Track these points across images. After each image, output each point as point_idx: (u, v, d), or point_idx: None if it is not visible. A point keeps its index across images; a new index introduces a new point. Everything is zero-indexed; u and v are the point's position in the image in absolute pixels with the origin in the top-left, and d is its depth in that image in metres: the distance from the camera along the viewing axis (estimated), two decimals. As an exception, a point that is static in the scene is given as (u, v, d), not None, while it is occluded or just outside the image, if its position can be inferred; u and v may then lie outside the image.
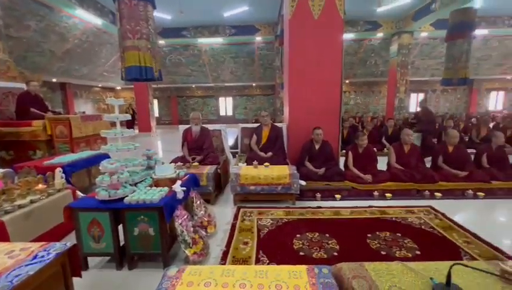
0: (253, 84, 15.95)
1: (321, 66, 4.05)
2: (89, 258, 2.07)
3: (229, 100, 16.95)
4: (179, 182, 2.24)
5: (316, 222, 2.78)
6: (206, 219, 2.51)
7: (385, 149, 6.19)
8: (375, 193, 3.47)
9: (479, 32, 9.86)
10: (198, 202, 2.53)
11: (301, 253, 2.19)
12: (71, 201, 2.51)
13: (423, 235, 2.45)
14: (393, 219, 2.81)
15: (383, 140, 6.71)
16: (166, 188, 2.15)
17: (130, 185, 2.18)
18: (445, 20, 7.66)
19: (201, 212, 2.51)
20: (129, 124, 11.75)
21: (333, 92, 4.12)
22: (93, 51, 10.25)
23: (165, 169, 2.31)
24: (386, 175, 3.77)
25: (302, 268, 1.29)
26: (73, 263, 1.38)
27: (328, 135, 4.00)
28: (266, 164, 3.48)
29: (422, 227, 2.62)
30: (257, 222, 2.78)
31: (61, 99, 13.04)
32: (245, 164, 3.73)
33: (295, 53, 4.09)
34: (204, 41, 11.48)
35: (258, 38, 11.28)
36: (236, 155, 4.70)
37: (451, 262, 1.19)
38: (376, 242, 2.34)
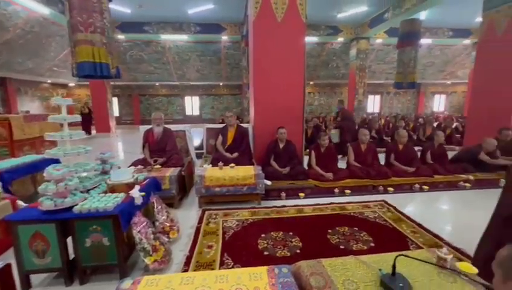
0: (220, 84, 15.78)
1: (285, 68, 4.15)
2: (33, 276, 1.86)
3: (196, 99, 16.55)
4: (137, 187, 2.12)
5: (280, 221, 2.84)
6: (168, 224, 2.42)
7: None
8: (336, 190, 3.66)
9: (424, 41, 10.96)
10: (160, 207, 2.43)
11: (266, 253, 2.22)
12: (10, 212, 2.23)
13: (377, 228, 2.65)
14: (352, 214, 2.99)
15: (344, 139, 7.11)
16: (122, 194, 2.02)
17: (82, 192, 2.01)
18: (396, 29, 8.39)
19: (163, 217, 2.41)
20: (85, 125, 10.83)
21: (297, 93, 4.25)
22: (39, 43, 9.22)
23: (122, 173, 2.17)
24: (346, 173, 4.00)
25: (263, 269, 1.31)
26: (6, 284, 1.22)
27: (292, 135, 4.12)
28: (232, 164, 3.46)
29: (377, 220, 2.83)
30: (222, 224, 2.75)
31: (0, 96, 11.51)
32: (210, 165, 3.67)
33: (259, 54, 4.13)
34: (167, 37, 11.03)
35: (225, 38, 11.18)
36: (202, 156, 4.61)
37: (396, 253, 1.31)
38: (336, 237, 2.46)
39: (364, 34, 10.43)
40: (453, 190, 3.81)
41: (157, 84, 15.51)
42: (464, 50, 12.83)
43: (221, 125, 4.50)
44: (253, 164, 3.78)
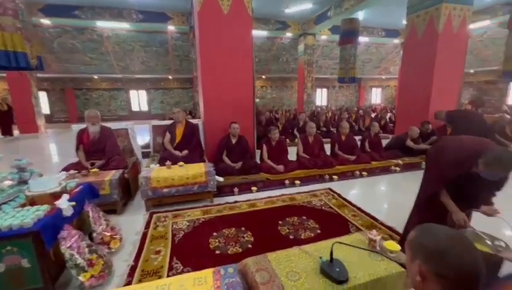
0: (170, 77, 14.91)
1: (233, 61, 4.09)
2: None
3: (143, 94, 15.35)
4: (65, 197, 1.86)
5: (233, 217, 2.83)
6: (108, 234, 2.19)
7: (296, 140, 6.88)
8: (286, 182, 3.79)
9: (362, 39, 12.00)
10: (97, 216, 2.18)
11: (217, 252, 2.18)
12: None
13: (323, 215, 2.84)
14: (301, 204, 3.14)
15: (295, 131, 7.43)
16: (46, 206, 1.75)
17: (-10, 208, 1.68)
18: (338, 27, 8.98)
19: (102, 226, 2.18)
20: (5, 125, 9.18)
21: (246, 87, 4.24)
22: None
23: (44, 182, 1.88)
24: (295, 164, 4.18)
25: (208, 272, 1.27)
26: None
27: (243, 129, 4.11)
28: (180, 163, 3.30)
29: (323, 208, 3.02)
30: (172, 226, 2.62)
31: None
32: (157, 165, 3.44)
33: (206, 47, 3.99)
34: (105, 25, 9.90)
35: (171, 28, 10.51)
36: (149, 156, 4.31)
37: (335, 240, 1.40)
38: (286, 228, 2.56)
39: (311, 30, 10.93)
40: (387, 174, 4.30)
41: (95, 76, 13.91)
42: (394, 48, 14.44)
43: (169, 122, 4.25)
44: (204, 161, 3.68)
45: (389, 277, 1.25)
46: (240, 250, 2.20)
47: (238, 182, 3.69)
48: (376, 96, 19.58)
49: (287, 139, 6.81)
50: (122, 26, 10.06)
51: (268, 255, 1.40)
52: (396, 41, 13.08)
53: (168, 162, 3.26)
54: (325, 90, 18.21)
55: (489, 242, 1.47)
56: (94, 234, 2.11)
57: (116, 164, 3.29)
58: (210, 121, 4.19)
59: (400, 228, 2.45)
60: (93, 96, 14.64)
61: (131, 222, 2.75)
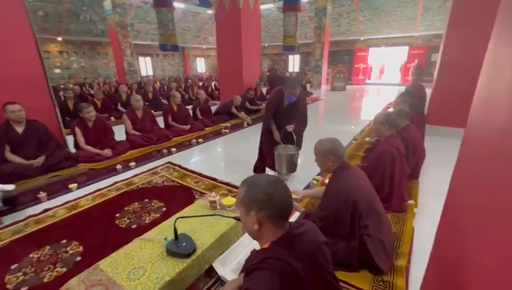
0: None
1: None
2: None
3: None
4: None
5: (44, 231, 2.08)
6: None
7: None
8: (119, 167, 3.26)
9: (178, 5, 11.72)
10: None
11: (22, 289, 1.54)
12: None
13: (167, 191, 2.72)
14: (140, 186, 2.83)
15: (119, 107, 6.40)
16: None
17: None
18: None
19: None
20: None
21: (23, 49, 2.96)
22: None
23: None
24: (126, 144, 3.65)
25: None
26: None
27: (34, 112, 2.96)
28: None
29: (165, 184, 2.90)
30: None
31: None
32: None
33: None
34: None
35: None
36: None
37: (177, 215, 1.35)
38: (126, 219, 2.23)
39: (116, -16, 9.18)
40: (219, 137, 4.76)
41: None
42: (209, 19, 15.34)
43: None
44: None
45: (231, 229, 1.39)
46: (64, 270, 1.68)
47: (45, 183, 2.73)
48: (201, 66, 20.56)
49: (112, 117, 5.78)
50: None
51: (100, 264, 1.13)
52: (209, 11, 13.87)
53: None
54: (148, 58, 16.71)
55: (292, 148, 2.72)
56: None
57: None
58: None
59: (235, 180, 2.84)
60: None
61: None
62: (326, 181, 2.03)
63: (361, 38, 14.38)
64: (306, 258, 0.82)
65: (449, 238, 0.91)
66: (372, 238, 1.42)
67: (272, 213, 0.82)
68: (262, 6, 10.44)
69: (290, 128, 2.65)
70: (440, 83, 4.27)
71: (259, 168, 2.91)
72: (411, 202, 2.24)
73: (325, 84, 12.21)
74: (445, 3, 9.85)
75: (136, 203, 2.48)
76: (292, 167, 2.69)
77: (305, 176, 2.92)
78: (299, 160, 2.73)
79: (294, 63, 18.07)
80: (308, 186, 2.75)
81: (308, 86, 11.54)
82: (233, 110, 5.75)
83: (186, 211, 1.48)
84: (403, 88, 6.83)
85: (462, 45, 3.88)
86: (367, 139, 4.01)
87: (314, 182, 2.80)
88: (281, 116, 2.70)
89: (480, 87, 0.80)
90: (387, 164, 2.15)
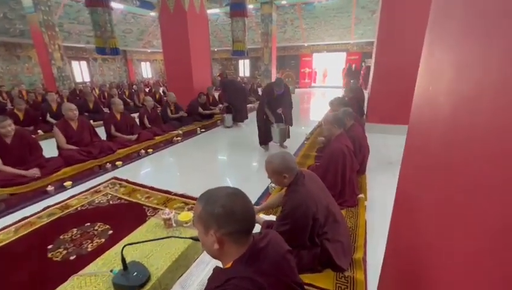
0: None
1: None
2: None
3: None
4: None
5: None
6: None
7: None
8: (50, 188, 2.78)
9: (117, 5, 10.81)
10: None
11: None
12: None
13: (113, 211, 2.42)
14: (79, 209, 2.46)
15: (49, 118, 5.54)
16: None
17: None
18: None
19: None
20: None
21: None
22: None
23: None
24: (59, 161, 3.16)
25: None
26: None
27: None
28: None
29: (111, 202, 2.57)
30: None
31: None
32: None
33: None
34: None
35: None
36: None
37: (124, 242, 1.18)
38: (61, 250, 1.89)
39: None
40: (171, 145, 4.48)
41: None
42: (153, 22, 14.52)
43: None
44: None
45: (190, 247, 1.28)
46: (-25, 327, 1.33)
47: None
48: (147, 71, 19.34)
49: (39, 130, 4.99)
50: None
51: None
52: (153, 14, 13.14)
53: None
54: (84, 63, 15.02)
55: (282, 125, 3.88)
56: None
57: None
58: None
59: (191, 191, 2.68)
60: None
61: None
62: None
63: (305, 44, 15.33)
64: (271, 271, 0.78)
65: (402, 226, 0.96)
66: (331, 241, 1.47)
67: (233, 229, 0.75)
68: (209, 11, 10.28)
69: (279, 111, 3.82)
70: (375, 85, 4.77)
71: (261, 138, 3.98)
72: (361, 196, 2.41)
73: (276, 87, 12.64)
74: (373, 15, 11.15)
75: (75, 229, 2.13)
76: (284, 137, 3.97)
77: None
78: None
79: (244, 68, 18.29)
80: (266, 190, 2.75)
81: (259, 90, 11.78)
82: (201, 110, 5.97)
83: (136, 233, 1.30)
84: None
85: (391, 51, 4.41)
86: (319, 138, 4.22)
87: (272, 185, 2.81)
88: (273, 103, 3.78)
89: (418, 89, 0.87)
90: (339, 161, 2.27)
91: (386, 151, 3.83)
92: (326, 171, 2.31)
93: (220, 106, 6.66)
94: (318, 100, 10.95)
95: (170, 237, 1.27)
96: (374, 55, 4.97)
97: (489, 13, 0.45)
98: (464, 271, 0.48)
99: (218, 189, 0.80)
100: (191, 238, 0.89)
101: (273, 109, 3.81)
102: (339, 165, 2.26)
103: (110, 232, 2.10)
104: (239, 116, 5.82)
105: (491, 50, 0.43)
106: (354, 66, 13.90)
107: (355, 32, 13.15)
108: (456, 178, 0.54)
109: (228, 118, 5.67)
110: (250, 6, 10.82)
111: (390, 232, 1.10)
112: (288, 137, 4.09)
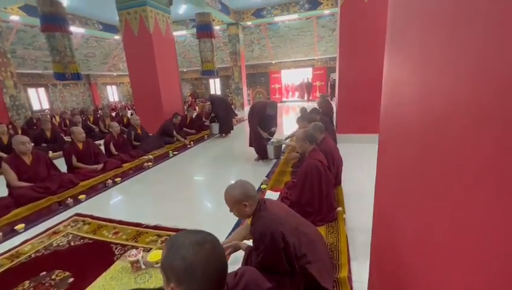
0: None
1: None
2: None
3: None
4: None
5: None
6: None
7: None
8: (-3, 234, 2.43)
9: (77, 30, 10.43)
10: None
11: None
12: None
13: (74, 255, 2.15)
14: (33, 256, 2.15)
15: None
16: None
17: None
18: (35, 8, 6.90)
19: None
20: None
21: None
22: None
23: None
24: (7, 201, 2.79)
25: None
26: None
27: None
28: None
29: (72, 244, 2.29)
30: None
31: None
32: None
33: None
34: None
35: None
36: None
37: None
38: (9, 310, 1.61)
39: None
40: (141, 172, 4.21)
41: None
42: (117, 45, 14.17)
43: None
44: None
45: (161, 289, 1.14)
46: None
47: None
48: (113, 94, 18.61)
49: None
50: None
51: None
52: (117, 37, 12.86)
53: None
54: (42, 89, 14.08)
55: (284, 140, 4.48)
56: None
57: None
58: None
59: (166, 220, 2.49)
60: None
61: None
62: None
63: (273, 62, 15.88)
64: None
65: (384, 235, 0.94)
66: (312, 263, 1.41)
67: (194, 287, 0.62)
68: (176, 33, 10.29)
69: (274, 130, 4.35)
70: (342, 97, 5.00)
71: (259, 154, 4.29)
72: (339, 209, 2.41)
73: (247, 104, 12.77)
74: (333, 33, 11.95)
75: (27, 281, 1.84)
76: (279, 154, 4.27)
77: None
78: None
79: (215, 86, 18.37)
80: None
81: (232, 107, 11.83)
82: (175, 134, 5.86)
83: (99, 281, 1.14)
84: (314, 104, 7.73)
85: (352, 64, 4.68)
86: (294, 154, 4.25)
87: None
88: (265, 121, 4.14)
89: (384, 98, 0.88)
90: (314, 177, 2.26)
91: (356, 159, 3.93)
92: (302, 188, 2.29)
93: (206, 123, 6.95)
94: (290, 115, 11.23)
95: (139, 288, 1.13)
96: (337, 69, 5.24)
97: (444, 23, 0.47)
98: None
99: (186, 233, 0.70)
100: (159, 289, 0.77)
101: (264, 125, 4.16)
102: (314, 181, 2.26)
103: (71, 280, 1.84)
104: (225, 128, 6.42)
105: (448, 56, 0.46)
106: (305, 79, 15.09)
107: (318, 49, 13.93)
108: (432, 186, 0.53)
109: (215, 126, 6.37)
110: (216, 28, 11.06)
111: (372, 252, 1.07)
112: (282, 153, 4.41)
